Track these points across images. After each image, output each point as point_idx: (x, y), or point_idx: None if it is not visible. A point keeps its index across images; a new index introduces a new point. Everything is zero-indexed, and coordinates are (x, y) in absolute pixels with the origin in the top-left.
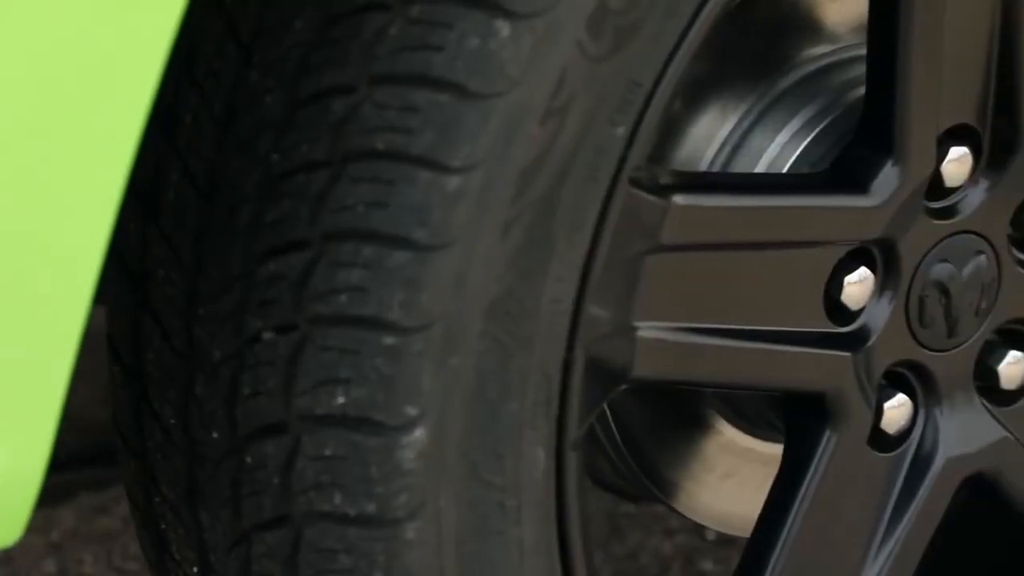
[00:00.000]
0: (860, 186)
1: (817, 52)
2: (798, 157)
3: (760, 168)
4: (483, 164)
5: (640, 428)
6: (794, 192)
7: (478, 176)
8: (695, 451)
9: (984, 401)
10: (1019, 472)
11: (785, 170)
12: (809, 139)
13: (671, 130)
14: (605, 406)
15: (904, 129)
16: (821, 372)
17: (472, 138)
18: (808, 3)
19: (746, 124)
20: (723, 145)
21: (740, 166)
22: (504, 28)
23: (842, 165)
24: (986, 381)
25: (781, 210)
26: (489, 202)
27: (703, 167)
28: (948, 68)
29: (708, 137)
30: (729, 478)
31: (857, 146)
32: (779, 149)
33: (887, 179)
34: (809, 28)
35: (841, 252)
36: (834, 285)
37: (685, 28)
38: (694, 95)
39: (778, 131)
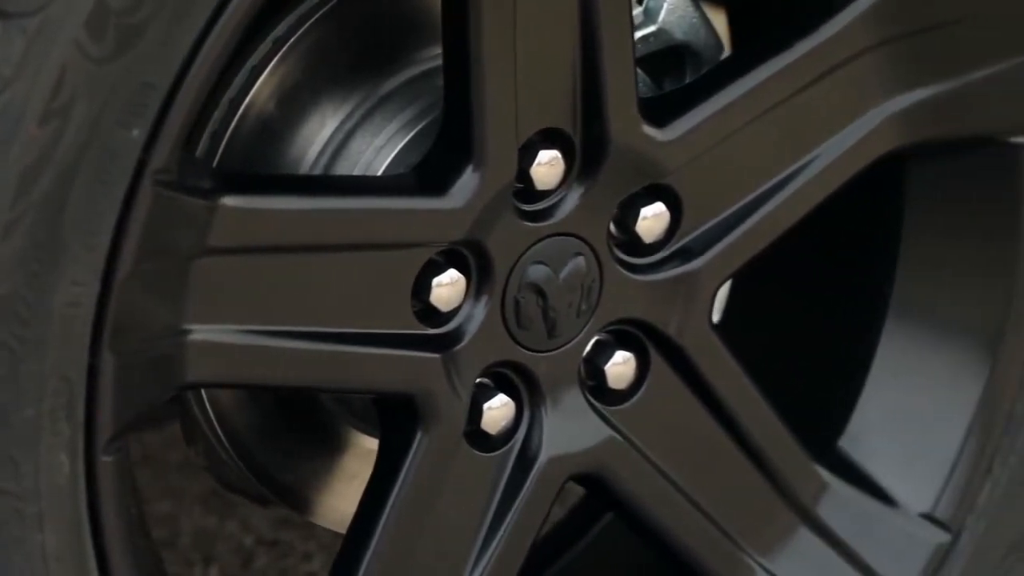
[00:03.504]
0: (440, 189)
1: (423, 55)
2: (393, 160)
3: (358, 171)
4: None
5: (248, 432)
6: (367, 194)
7: None
8: (314, 454)
9: (593, 401)
10: (627, 471)
11: (380, 173)
12: (404, 143)
13: (269, 133)
14: (209, 409)
15: (481, 133)
16: (408, 374)
17: None
18: (412, 5)
19: (348, 127)
20: (325, 148)
21: (341, 169)
22: None
23: (424, 168)
24: (595, 381)
25: (351, 212)
26: None
27: (304, 170)
28: (527, 73)
29: (310, 140)
30: (355, 480)
31: (439, 149)
32: (376, 153)
33: (467, 182)
34: (414, 30)
35: (428, 255)
36: (423, 287)
37: (203, 31)
38: (294, 98)
39: (377, 134)
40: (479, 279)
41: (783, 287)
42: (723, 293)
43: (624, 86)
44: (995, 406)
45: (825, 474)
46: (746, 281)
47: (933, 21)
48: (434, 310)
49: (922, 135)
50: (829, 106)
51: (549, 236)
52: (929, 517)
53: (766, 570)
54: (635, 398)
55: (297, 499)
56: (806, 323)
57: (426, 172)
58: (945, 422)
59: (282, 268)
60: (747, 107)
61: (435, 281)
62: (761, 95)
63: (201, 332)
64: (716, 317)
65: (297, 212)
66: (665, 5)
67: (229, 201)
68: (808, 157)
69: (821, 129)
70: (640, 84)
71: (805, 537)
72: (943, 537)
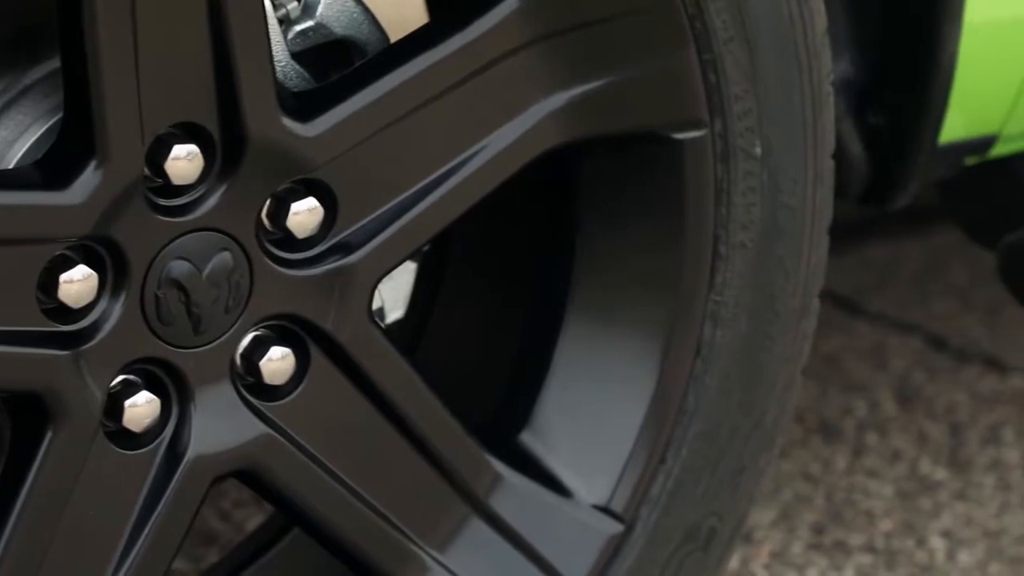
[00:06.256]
0: (61, 184)
1: None
2: (24, 155)
3: None
4: None
5: None
6: None
7: None
8: None
9: (249, 397)
10: (285, 467)
11: (11, 166)
12: (37, 137)
13: None
14: None
15: (101, 128)
16: (35, 371)
17: None
18: None
19: None
20: None
21: None
22: None
23: (46, 162)
24: (252, 377)
25: None
26: None
27: None
28: (152, 66)
29: None
30: None
31: (62, 143)
32: (8, 147)
33: (90, 178)
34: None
35: (53, 251)
36: (50, 284)
37: None
38: None
39: (10, 128)
40: (115, 275)
41: (470, 282)
42: (407, 288)
43: (260, 81)
44: (668, 399)
45: (500, 467)
46: (433, 275)
47: (586, 18)
48: (64, 307)
49: (585, 131)
50: (487, 102)
51: (191, 231)
52: (604, 509)
53: (440, 563)
54: (295, 394)
55: None
56: (492, 320)
57: (48, 166)
58: (621, 416)
59: None
60: (398, 102)
61: (63, 277)
62: (412, 90)
63: None
64: (399, 312)
65: None
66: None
67: None
68: (467, 153)
69: (480, 125)
70: (297, 78)
71: (479, 529)
72: (617, 528)
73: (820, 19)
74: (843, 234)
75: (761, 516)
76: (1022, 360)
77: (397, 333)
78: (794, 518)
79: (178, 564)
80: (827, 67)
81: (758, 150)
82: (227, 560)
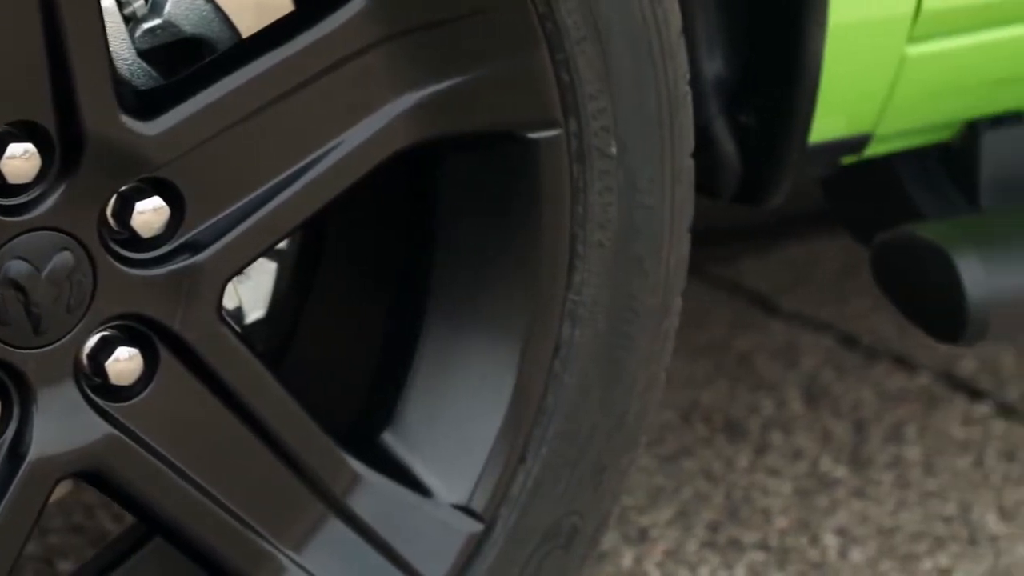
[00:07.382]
0: None
1: None
2: None
3: None
4: None
5: None
6: None
7: None
8: None
9: (94, 397)
10: (131, 468)
11: None
12: None
13: None
14: None
15: None
16: None
17: None
18: None
19: None
20: None
21: None
22: None
23: None
24: (98, 377)
25: None
26: None
27: None
28: None
29: None
30: None
31: None
32: None
33: None
34: None
35: None
36: None
37: None
38: None
39: None
40: None
41: (339, 282)
42: (266, 288)
43: (97, 79)
44: (527, 398)
45: (358, 466)
46: (306, 274)
47: (433, 18)
48: None
49: (437, 130)
50: (336, 102)
51: (30, 231)
52: (464, 508)
53: (296, 563)
54: (144, 394)
55: None
56: (358, 320)
57: None
58: (481, 415)
59: None
60: (243, 101)
61: None
62: (257, 89)
63: None
64: (260, 312)
65: None
66: None
67: None
68: (316, 153)
69: (329, 125)
70: (145, 77)
71: (336, 529)
72: (477, 527)
73: (675, 19)
74: (762, 234)
75: (658, 515)
76: (931, 358)
77: (266, 333)
78: (691, 516)
79: (67, 565)
80: (683, 67)
81: (614, 149)
82: (100, 557)
